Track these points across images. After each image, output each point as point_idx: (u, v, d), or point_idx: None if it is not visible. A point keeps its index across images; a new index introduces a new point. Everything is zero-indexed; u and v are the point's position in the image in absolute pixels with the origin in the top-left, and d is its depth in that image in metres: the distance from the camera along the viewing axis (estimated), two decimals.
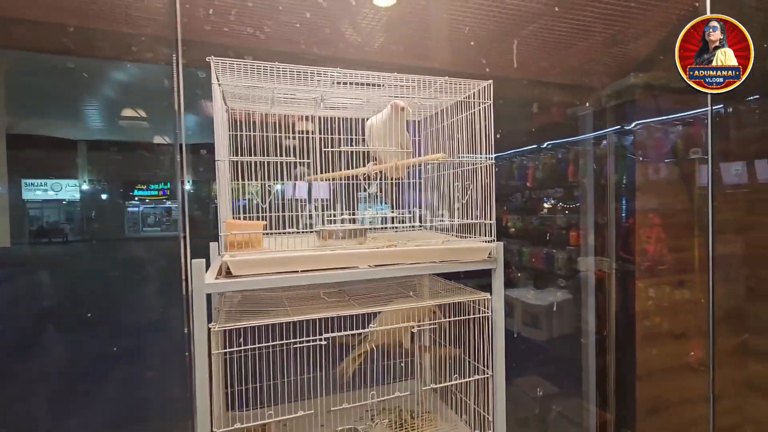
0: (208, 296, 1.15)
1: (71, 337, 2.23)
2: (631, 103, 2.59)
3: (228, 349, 1.14)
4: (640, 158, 2.61)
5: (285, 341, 1.18)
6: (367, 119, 1.49)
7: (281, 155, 1.34)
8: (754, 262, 2.55)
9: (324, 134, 1.50)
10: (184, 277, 1.64)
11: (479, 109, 1.42)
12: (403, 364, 1.66)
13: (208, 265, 1.35)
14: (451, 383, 1.42)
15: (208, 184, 2.33)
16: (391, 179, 1.58)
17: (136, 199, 2.95)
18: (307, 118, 1.58)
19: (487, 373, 1.41)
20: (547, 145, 3.02)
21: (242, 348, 1.16)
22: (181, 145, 1.35)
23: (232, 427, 1.14)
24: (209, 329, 1.11)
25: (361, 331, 1.27)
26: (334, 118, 1.59)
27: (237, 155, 1.42)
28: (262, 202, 1.35)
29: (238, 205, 1.48)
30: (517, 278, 3.01)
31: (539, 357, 2.81)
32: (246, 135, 1.47)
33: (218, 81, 1.25)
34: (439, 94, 1.46)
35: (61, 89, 2.38)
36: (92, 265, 2.51)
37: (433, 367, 1.70)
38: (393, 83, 1.37)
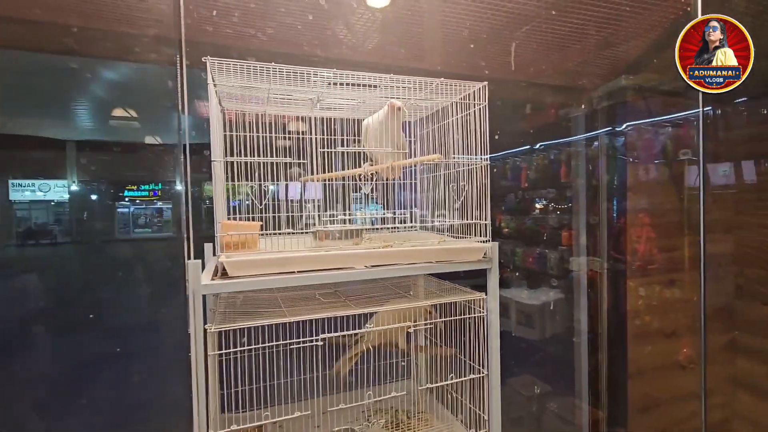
0: (204, 297, 1.14)
1: (58, 339, 2.21)
2: (623, 104, 2.63)
3: (224, 351, 1.13)
4: (631, 159, 2.64)
5: (281, 342, 1.18)
6: (364, 120, 1.50)
7: (276, 156, 1.34)
8: (742, 261, 2.60)
9: (320, 135, 1.50)
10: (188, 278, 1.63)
11: (475, 111, 1.43)
12: (403, 363, 1.66)
13: (203, 266, 1.34)
14: (446, 383, 1.43)
15: (200, 184, 2.31)
16: (387, 179, 1.59)
17: (127, 200, 2.92)
18: (302, 118, 1.58)
19: (483, 373, 1.42)
20: (540, 146, 3.04)
21: (238, 349, 1.16)
22: (184, 146, 1.35)
23: (228, 429, 1.13)
24: (205, 330, 1.11)
25: (356, 331, 1.27)
26: (331, 118, 1.59)
27: (233, 156, 1.42)
28: (258, 203, 1.34)
29: (234, 206, 1.47)
30: (511, 278, 3.03)
31: (532, 356, 2.83)
32: (241, 135, 1.47)
33: (214, 81, 1.25)
34: (435, 95, 1.47)
35: (57, 89, 2.36)
36: (81, 267, 2.48)
37: (429, 367, 1.71)
38: (389, 84, 1.38)
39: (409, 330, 1.35)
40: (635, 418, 2.57)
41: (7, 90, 2.27)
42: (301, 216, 1.52)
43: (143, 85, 2.42)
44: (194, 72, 1.28)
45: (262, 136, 1.46)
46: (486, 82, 1.41)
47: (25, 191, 2.66)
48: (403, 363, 1.67)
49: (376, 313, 1.36)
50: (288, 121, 1.57)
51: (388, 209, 1.67)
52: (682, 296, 2.64)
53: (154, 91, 2.37)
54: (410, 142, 1.72)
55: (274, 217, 1.50)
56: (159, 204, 3.00)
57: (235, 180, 1.38)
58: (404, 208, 1.73)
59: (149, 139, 2.66)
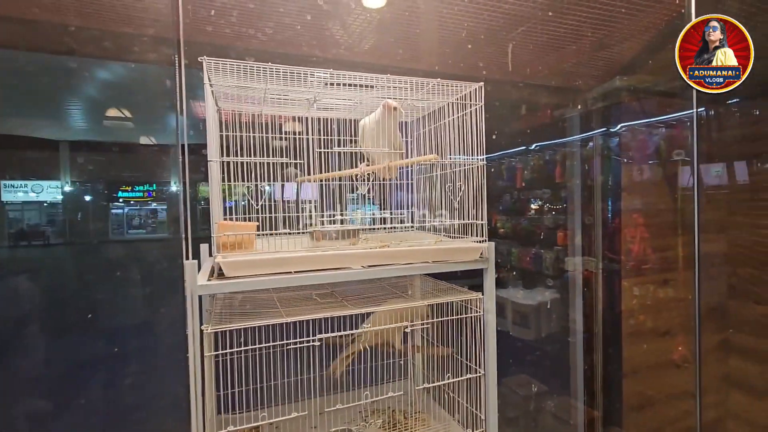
0: (200, 298, 1.14)
1: (52, 341, 2.19)
2: (617, 105, 2.64)
3: (221, 351, 1.13)
4: (626, 160, 2.66)
5: (278, 342, 1.18)
6: (360, 120, 1.50)
7: (272, 156, 1.34)
8: (735, 260, 2.62)
9: (317, 135, 1.50)
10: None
11: (471, 111, 1.44)
12: (401, 363, 1.66)
13: (199, 267, 1.34)
14: (443, 383, 1.43)
15: (194, 185, 2.30)
16: (383, 180, 1.59)
17: (121, 200, 2.91)
18: (298, 119, 1.58)
19: (479, 372, 1.42)
20: (536, 146, 3.05)
21: (235, 350, 1.15)
22: (182, 146, 1.34)
23: (225, 431, 1.13)
24: (202, 331, 1.10)
25: (352, 331, 1.27)
26: (328, 118, 1.59)
27: (229, 156, 1.42)
28: (255, 203, 1.34)
29: (230, 206, 1.47)
30: (506, 278, 3.04)
31: (528, 356, 2.84)
32: (237, 135, 1.47)
33: (210, 81, 1.25)
34: (432, 96, 1.47)
35: (51, 89, 2.34)
36: (74, 269, 2.47)
37: (426, 367, 1.71)
38: (385, 84, 1.38)
39: (405, 330, 1.35)
40: (630, 417, 2.58)
41: (1, 89, 2.25)
42: (299, 216, 1.52)
43: (138, 85, 2.40)
44: (192, 72, 1.28)
45: (259, 137, 1.46)
46: (482, 83, 1.42)
47: (17, 192, 2.63)
48: (400, 362, 1.67)
49: (372, 313, 1.36)
50: (284, 122, 1.57)
51: (385, 209, 1.68)
52: (676, 295, 2.66)
53: (149, 91, 2.36)
54: (407, 142, 1.73)
55: (270, 217, 1.50)
56: (153, 205, 2.99)
57: (232, 180, 1.38)
58: (401, 209, 1.73)
59: (144, 140, 2.65)
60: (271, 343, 1.18)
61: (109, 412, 2.15)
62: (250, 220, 1.44)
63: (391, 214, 1.63)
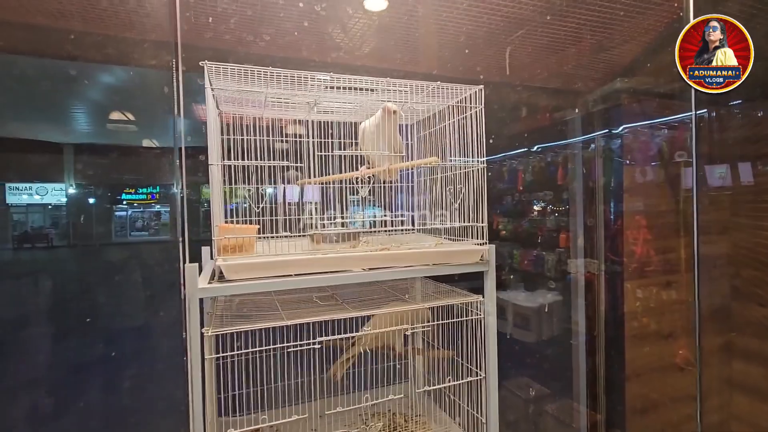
0: (201, 300, 1.14)
1: (54, 342, 2.20)
2: (618, 107, 2.64)
3: (221, 354, 1.13)
4: (627, 161, 2.65)
5: (278, 345, 1.18)
6: (360, 123, 1.50)
7: (274, 159, 1.35)
8: (738, 262, 2.61)
9: (317, 138, 1.51)
10: (182, 282, 1.63)
11: (470, 114, 1.44)
12: (400, 366, 1.66)
13: (200, 269, 1.34)
14: (443, 385, 1.43)
15: (197, 187, 2.31)
16: (384, 182, 1.59)
17: (124, 203, 2.92)
18: (299, 121, 1.58)
19: (480, 375, 1.42)
20: (537, 148, 3.05)
21: (235, 353, 1.16)
22: (180, 149, 1.35)
23: None
24: (202, 334, 1.11)
25: (353, 334, 1.27)
26: (329, 122, 1.60)
27: (231, 159, 1.42)
28: (255, 206, 1.34)
29: (231, 209, 1.47)
30: (508, 280, 3.03)
31: (529, 358, 2.83)
32: (239, 139, 1.47)
33: (211, 85, 1.25)
34: (431, 99, 1.47)
35: (56, 93, 2.35)
36: (78, 271, 2.48)
37: (427, 370, 1.71)
38: (385, 88, 1.38)
39: (406, 333, 1.35)
40: (633, 421, 2.57)
41: (5, 94, 2.27)
42: (299, 219, 1.52)
43: (142, 89, 2.42)
44: (192, 77, 1.29)
45: (260, 140, 1.47)
46: (482, 86, 1.42)
47: (22, 195, 2.65)
48: (399, 365, 1.67)
49: (373, 316, 1.36)
50: (286, 125, 1.57)
51: (387, 212, 1.68)
52: (679, 298, 2.65)
53: (152, 95, 2.37)
54: (408, 144, 1.73)
55: (271, 220, 1.50)
56: (157, 207, 3.00)
57: (233, 183, 1.39)
58: (404, 211, 1.74)
59: (147, 143, 2.66)
60: (272, 346, 1.18)
61: (108, 414, 2.16)
62: (251, 223, 1.44)
63: (393, 216, 1.63)
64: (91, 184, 2.67)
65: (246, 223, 1.45)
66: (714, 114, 2.54)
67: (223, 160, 1.42)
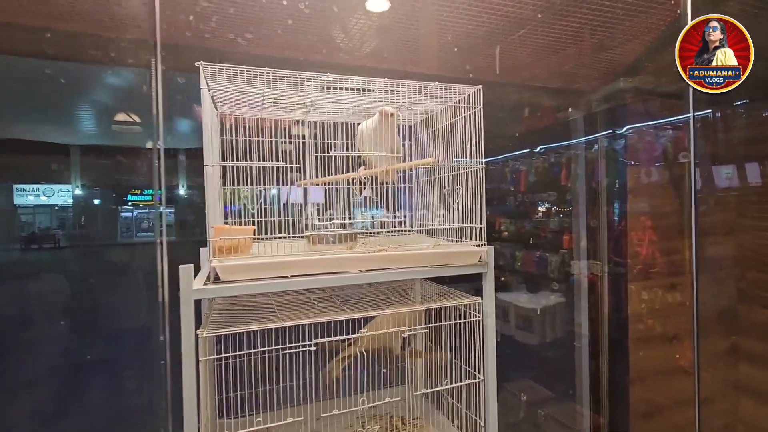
0: (198, 302, 1.13)
1: (58, 342, 2.20)
2: (622, 107, 2.61)
3: (216, 356, 1.12)
4: (632, 162, 2.62)
5: (273, 347, 1.17)
6: (358, 124, 1.49)
7: (277, 159, 1.33)
8: (744, 263, 2.57)
9: (315, 139, 1.50)
10: (159, 284, 1.63)
11: (468, 114, 1.42)
12: (399, 368, 1.64)
13: (198, 270, 1.33)
14: (442, 388, 1.41)
15: (201, 188, 2.30)
16: (382, 183, 1.57)
17: (130, 204, 2.93)
18: (302, 122, 1.57)
19: (479, 378, 1.40)
20: (540, 149, 3.02)
21: (230, 354, 1.15)
22: (159, 150, 1.34)
23: None
24: (197, 335, 1.10)
25: (349, 336, 1.26)
26: (326, 122, 1.58)
27: (230, 159, 1.42)
28: (251, 207, 1.33)
29: (233, 210, 1.46)
30: (510, 282, 3.00)
31: (532, 361, 2.80)
32: (235, 140, 1.47)
33: (208, 86, 1.24)
34: (429, 100, 1.46)
35: (52, 94, 2.36)
36: (83, 271, 2.48)
37: (426, 373, 1.69)
38: (384, 88, 1.37)
39: (402, 335, 1.33)
40: (637, 424, 2.53)
41: (11, 95, 2.28)
42: (297, 220, 1.51)
43: (146, 90, 2.41)
44: (193, 77, 1.28)
45: (258, 141, 1.46)
46: (480, 86, 1.40)
47: (29, 196, 2.67)
48: (397, 368, 1.65)
49: (373, 317, 1.34)
50: (290, 126, 1.56)
51: (388, 213, 1.66)
52: (684, 300, 2.60)
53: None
54: (409, 145, 1.71)
55: (270, 221, 1.49)
56: (161, 208, 3.01)
57: (235, 184, 1.37)
58: (404, 211, 1.72)
59: (151, 144, 2.67)
60: (266, 348, 1.17)
61: (108, 415, 2.16)
62: (252, 224, 1.43)
63: (395, 217, 1.61)
64: (97, 185, 2.68)
65: (245, 224, 1.44)
66: (719, 114, 2.50)
67: (220, 161, 1.41)
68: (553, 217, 2.95)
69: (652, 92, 2.55)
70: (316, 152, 1.28)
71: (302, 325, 1.20)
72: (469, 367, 1.42)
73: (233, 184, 1.41)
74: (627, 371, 2.51)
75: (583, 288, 2.70)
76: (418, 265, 1.33)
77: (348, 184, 1.58)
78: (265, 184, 1.39)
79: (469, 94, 1.42)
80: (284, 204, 1.49)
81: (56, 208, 2.71)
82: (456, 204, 1.44)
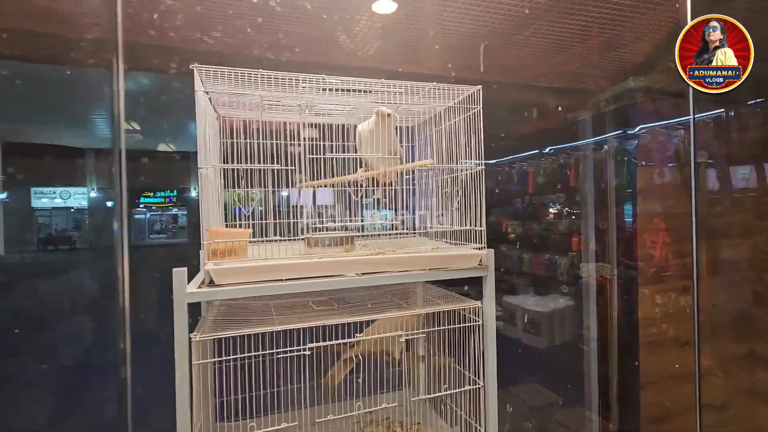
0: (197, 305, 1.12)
1: (70, 342, 2.23)
2: (631, 107, 2.54)
3: (207, 360, 1.10)
4: (643, 162, 2.55)
5: (267, 351, 1.15)
6: (357, 126, 1.46)
7: (283, 163, 1.31)
8: (761, 266, 2.47)
9: (312, 141, 1.48)
10: (122, 289, 1.62)
11: (468, 115, 1.38)
12: (397, 373, 1.61)
13: (197, 273, 1.32)
14: (440, 394, 1.37)
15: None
16: (383, 185, 1.55)
17: (142, 206, 2.96)
18: (313, 124, 1.55)
19: (479, 384, 1.36)
20: (549, 149, 2.96)
21: (223, 358, 1.13)
22: (120, 151, 1.33)
23: None
24: (190, 339, 1.08)
25: (345, 341, 1.23)
26: (325, 124, 1.56)
27: (232, 162, 1.41)
28: (244, 209, 1.32)
29: (237, 213, 1.45)
30: (518, 285, 2.95)
31: (540, 364, 2.74)
32: (247, 142, 1.46)
33: (205, 89, 1.23)
34: (427, 100, 1.42)
35: (78, 98, 2.38)
36: (98, 272, 2.51)
37: (426, 377, 1.65)
38: (384, 89, 1.34)
39: (401, 339, 1.30)
40: (648, 430, 2.45)
41: (28, 100, 2.31)
42: (296, 222, 1.49)
43: (156, 93, 2.43)
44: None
45: (268, 144, 1.45)
46: (480, 86, 1.36)
47: (46, 198, 2.71)
48: (394, 372, 1.61)
49: (369, 321, 1.31)
50: (299, 128, 1.54)
51: (397, 215, 1.63)
52: (698, 303, 2.52)
53: (169, 100, 2.38)
54: (410, 147, 1.68)
55: (271, 223, 1.47)
56: (174, 210, 3.03)
57: (248, 186, 1.35)
58: (407, 214, 1.69)
59: (163, 147, 2.69)
60: (260, 352, 1.15)
61: (108, 415, 2.16)
62: (254, 227, 1.42)
63: (389, 220, 1.58)
64: (110, 188, 2.70)
65: (246, 226, 1.42)
66: (732, 113, 2.42)
67: (219, 163, 1.40)
68: (562, 219, 2.89)
69: (663, 91, 2.48)
70: (312, 154, 1.25)
71: (297, 329, 1.18)
72: (469, 373, 1.38)
73: (248, 186, 1.40)
74: (637, 376, 2.43)
75: (591, 291, 2.63)
76: (416, 268, 1.30)
77: (348, 186, 1.55)
78: (275, 186, 1.37)
79: (468, 95, 1.38)
80: (291, 206, 1.47)
81: (72, 210, 2.76)
82: (454, 206, 1.40)
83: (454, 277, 1.35)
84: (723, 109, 2.33)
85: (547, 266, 2.88)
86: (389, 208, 1.64)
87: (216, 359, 1.11)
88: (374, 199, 1.61)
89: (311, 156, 1.25)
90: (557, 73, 2.49)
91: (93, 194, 2.70)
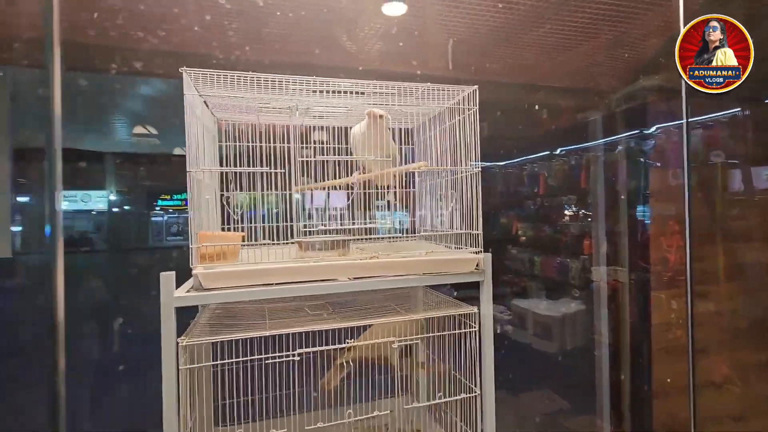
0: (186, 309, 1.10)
1: (87, 342, 2.25)
2: (644, 106, 2.43)
3: (197, 365, 1.08)
4: (657, 164, 2.44)
5: (255, 357, 1.12)
6: (351, 128, 1.42)
7: (294, 166, 1.29)
8: None
9: (306, 144, 1.45)
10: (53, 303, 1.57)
11: (463, 117, 1.33)
12: (390, 379, 1.56)
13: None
14: (435, 402, 1.32)
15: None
16: (380, 188, 1.51)
17: (159, 209, 2.99)
18: (323, 128, 1.53)
19: (475, 392, 1.30)
20: (560, 151, 2.88)
21: (210, 363, 1.11)
22: (55, 151, 1.32)
23: None
24: (177, 344, 1.06)
25: (335, 346, 1.19)
26: (325, 127, 1.53)
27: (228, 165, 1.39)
28: (233, 213, 1.29)
29: (250, 216, 1.43)
30: (528, 288, 2.86)
31: (550, 370, 2.65)
32: (236, 145, 1.45)
33: (198, 92, 1.22)
34: (424, 101, 1.37)
35: (99, 104, 2.41)
36: (117, 273, 2.54)
37: (427, 384, 1.60)
38: (381, 91, 1.30)
39: (392, 345, 1.26)
40: None
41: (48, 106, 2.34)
42: (293, 226, 1.46)
43: (168, 98, 2.44)
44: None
45: (255, 146, 1.43)
46: (476, 86, 1.31)
47: (68, 201, 2.75)
48: (387, 377, 1.56)
49: (363, 327, 1.27)
50: (309, 131, 1.52)
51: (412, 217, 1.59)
52: (717, 309, 2.40)
53: (171, 104, 2.39)
54: (410, 149, 1.64)
55: (274, 227, 1.45)
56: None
57: (264, 189, 1.33)
58: (412, 216, 1.65)
59: (178, 150, 2.71)
60: (248, 357, 1.12)
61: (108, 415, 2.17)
62: (254, 230, 1.40)
63: (382, 223, 1.54)
64: (129, 191, 2.74)
65: (241, 230, 1.40)
66: (748, 112, 2.30)
67: (204, 166, 1.38)
68: (574, 222, 2.79)
69: (676, 90, 2.37)
70: (301, 157, 1.22)
71: (289, 333, 1.15)
72: (466, 380, 1.33)
73: (250, 190, 1.38)
74: (650, 384, 2.32)
75: (603, 295, 2.53)
76: (411, 273, 1.26)
77: (349, 188, 1.52)
78: (266, 189, 1.35)
79: (464, 96, 1.33)
80: (288, 209, 1.44)
81: (93, 213, 2.80)
82: (449, 209, 1.35)
83: (451, 282, 1.30)
84: (739, 108, 2.22)
85: (558, 269, 2.79)
86: (403, 210, 1.61)
87: (203, 364, 1.09)
88: (387, 202, 1.58)
89: (302, 159, 1.22)
90: (568, 73, 2.41)
91: (113, 197, 2.74)
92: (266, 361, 1.12)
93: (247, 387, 1.23)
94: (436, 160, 1.44)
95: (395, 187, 1.52)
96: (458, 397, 1.31)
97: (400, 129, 1.61)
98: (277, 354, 1.12)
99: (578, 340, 2.63)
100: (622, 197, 2.50)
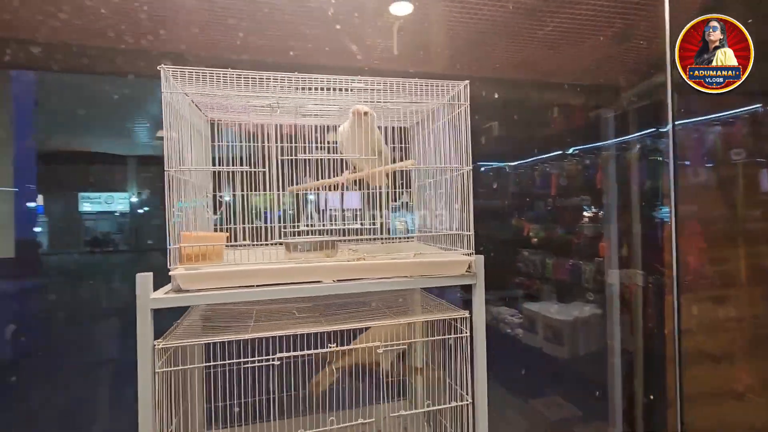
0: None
1: (103, 340, 2.27)
2: (659, 103, 2.28)
3: (173, 368, 1.04)
4: (686, 162, 2.29)
5: (234, 360, 1.07)
6: (338, 126, 1.36)
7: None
8: None
9: (291, 143, 1.40)
10: None
11: (455, 114, 1.26)
12: (379, 384, 1.49)
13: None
14: (425, 410, 1.25)
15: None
16: (371, 188, 1.44)
17: (179, 210, 3.00)
18: (333, 128, 1.48)
19: (467, 400, 1.22)
20: (573, 150, 2.75)
21: (188, 367, 1.06)
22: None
23: None
24: (154, 346, 1.02)
25: (318, 351, 1.13)
26: (310, 125, 1.48)
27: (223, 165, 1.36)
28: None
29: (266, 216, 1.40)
30: (540, 291, 2.74)
31: (561, 376, 2.52)
32: (229, 145, 1.42)
33: (186, 92, 1.18)
34: (415, 97, 1.30)
35: (122, 107, 2.44)
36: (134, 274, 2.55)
37: (423, 390, 1.53)
38: (371, 87, 1.24)
39: (377, 351, 1.19)
40: None
41: (73, 110, 2.39)
42: (283, 228, 1.41)
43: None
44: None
45: (245, 146, 1.39)
46: (467, 81, 1.23)
47: (92, 203, 2.80)
48: (380, 383, 1.49)
49: (356, 330, 1.21)
50: (324, 131, 1.48)
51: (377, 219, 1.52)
52: (738, 314, 2.23)
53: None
54: (405, 148, 1.57)
55: (266, 228, 1.41)
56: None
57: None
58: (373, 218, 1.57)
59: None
60: (227, 361, 1.08)
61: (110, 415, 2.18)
62: (264, 229, 1.36)
63: (371, 223, 1.47)
64: (150, 193, 2.77)
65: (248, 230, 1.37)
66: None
67: (209, 166, 1.35)
68: (587, 223, 2.66)
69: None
70: (282, 156, 1.17)
71: (269, 337, 1.09)
72: (459, 387, 1.25)
73: (243, 190, 1.35)
74: (665, 392, 2.17)
75: (615, 299, 2.39)
76: (399, 275, 1.19)
77: (341, 188, 1.46)
78: (247, 190, 1.31)
79: (456, 92, 1.25)
80: (284, 211, 1.40)
81: (116, 214, 2.84)
82: (438, 210, 1.28)
83: (440, 285, 1.23)
84: (760, 104, 2.06)
85: (571, 272, 2.66)
86: (416, 210, 1.55)
87: (181, 367, 1.05)
88: (404, 203, 1.53)
89: (282, 158, 1.17)
90: (580, 70, 2.29)
91: (134, 199, 2.77)
92: (245, 366, 1.07)
93: (231, 391, 1.19)
94: (430, 158, 1.37)
95: (388, 187, 1.45)
96: (447, 405, 1.23)
97: (400, 128, 1.55)
98: (256, 358, 1.07)
99: (591, 345, 2.49)
100: (636, 197, 2.35)
